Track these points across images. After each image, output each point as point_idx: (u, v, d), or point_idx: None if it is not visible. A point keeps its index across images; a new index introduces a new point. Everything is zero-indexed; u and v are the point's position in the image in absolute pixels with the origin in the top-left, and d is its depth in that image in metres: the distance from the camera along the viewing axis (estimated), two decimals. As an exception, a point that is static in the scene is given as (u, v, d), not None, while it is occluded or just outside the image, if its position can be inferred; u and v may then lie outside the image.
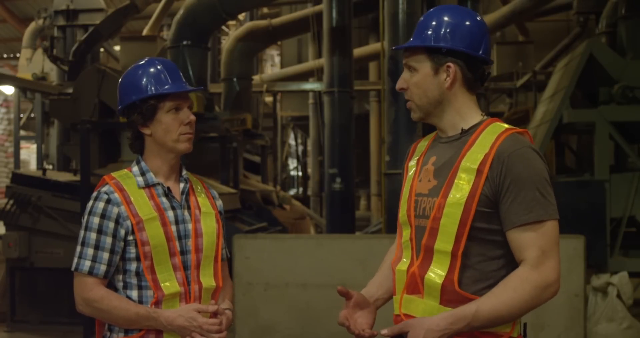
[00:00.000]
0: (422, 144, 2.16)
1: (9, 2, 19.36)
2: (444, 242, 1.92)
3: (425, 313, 1.94)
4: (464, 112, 2.02)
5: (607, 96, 6.98)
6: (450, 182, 1.94)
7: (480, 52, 1.99)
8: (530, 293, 1.86)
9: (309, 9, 12.24)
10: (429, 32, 2.00)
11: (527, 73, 11.80)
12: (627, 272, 6.01)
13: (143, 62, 2.30)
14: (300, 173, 21.69)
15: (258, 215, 9.10)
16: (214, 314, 2.21)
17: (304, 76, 14.81)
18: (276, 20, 11.98)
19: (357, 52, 12.31)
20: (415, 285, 1.98)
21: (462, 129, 2.01)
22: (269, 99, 16.45)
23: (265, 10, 16.87)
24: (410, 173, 2.13)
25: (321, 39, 10.78)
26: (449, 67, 1.98)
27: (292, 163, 23.34)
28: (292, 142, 21.72)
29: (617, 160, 7.39)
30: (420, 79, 2.01)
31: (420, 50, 2.00)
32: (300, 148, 21.56)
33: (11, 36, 21.17)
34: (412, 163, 2.14)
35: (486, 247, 1.93)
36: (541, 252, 1.87)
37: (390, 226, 6.73)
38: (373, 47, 13.29)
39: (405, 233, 2.07)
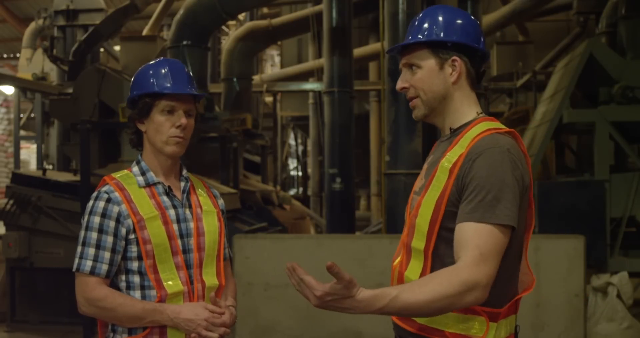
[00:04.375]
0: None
1: (9, 2, 19.37)
2: (418, 241, 1.93)
3: None
4: (463, 109, 2.01)
5: (607, 96, 6.98)
6: (430, 181, 1.95)
7: (480, 46, 2.00)
8: (455, 289, 1.76)
9: (309, 9, 12.24)
10: (429, 29, 1.99)
11: (527, 73, 11.80)
12: (627, 272, 6.01)
13: (155, 61, 2.31)
14: (300, 173, 21.69)
15: (258, 215, 9.09)
16: (218, 308, 2.22)
17: (304, 76, 14.81)
18: (276, 20, 11.99)
19: (357, 52, 12.31)
20: (401, 281, 2.00)
21: (450, 129, 2.02)
22: (269, 99, 16.45)
23: (265, 10, 16.87)
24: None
25: (321, 39, 10.78)
26: (454, 60, 1.97)
27: (292, 163, 23.34)
28: (292, 142, 21.72)
29: (617, 160, 7.39)
30: (425, 75, 1.99)
31: (422, 47, 1.99)
32: (300, 148, 21.56)
33: (11, 36, 21.18)
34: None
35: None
36: (479, 253, 1.79)
37: (390, 226, 6.73)
38: (373, 47, 13.29)
39: (404, 230, 2.10)
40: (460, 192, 1.87)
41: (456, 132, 2.00)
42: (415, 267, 1.94)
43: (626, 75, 6.94)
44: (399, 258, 2.06)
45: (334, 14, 9.47)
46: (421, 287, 1.77)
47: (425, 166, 2.07)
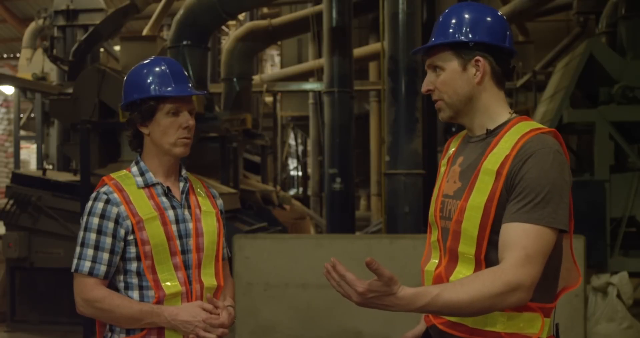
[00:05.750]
0: (455, 142, 2.13)
1: (9, 2, 19.37)
2: (467, 246, 1.89)
3: None
4: (493, 109, 1.98)
5: (607, 96, 6.98)
6: (472, 184, 1.90)
7: (506, 44, 1.96)
8: (498, 289, 1.74)
9: (309, 9, 12.24)
10: (452, 29, 1.96)
11: (527, 73, 11.80)
12: (627, 272, 6.01)
13: (149, 60, 2.28)
14: (300, 173, 21.70)
15: (258, 215, 9.09)
16: (216, 308, 2.21)
17: (304, 76, 14.81)
18: (276, 20, 11.99)
19: (357, 52, 12.31)
20: None
21: (487, 130, 1.97)
22: (269, 99, 16.45)
23: (265, 10, 16.88)
24: (441, 173, 2.10)
25: (321, 39, 10.78)
26: (477, 61, 1.94)
27: (292, 163, 23.35)
28: (292, 142, 21.73)
29: (617, 160, 7.39)
30: (449, 77, 1.96)
31: (445, 48, 1.96)
32: (300, 148, 21.56)
33: (11, 36, 21.19)
34: (444, 161, 2.11)
35: None
36: (525, 254, 1.77)
37: (390, 226, 6.73)
38: (373, 47, 13.29)
39: (434, 233, 2.05)
40: (509, 193, 1.84)
41: (493, 133, 1.95)
42: (463, 272, 1.90)
43: (626, 75, 6.94)
44: (435, 262, 2.02)
45: (334, 14, 9.47)
46: (464, 286, 1.75)
47: (456, 168, 2.01)
